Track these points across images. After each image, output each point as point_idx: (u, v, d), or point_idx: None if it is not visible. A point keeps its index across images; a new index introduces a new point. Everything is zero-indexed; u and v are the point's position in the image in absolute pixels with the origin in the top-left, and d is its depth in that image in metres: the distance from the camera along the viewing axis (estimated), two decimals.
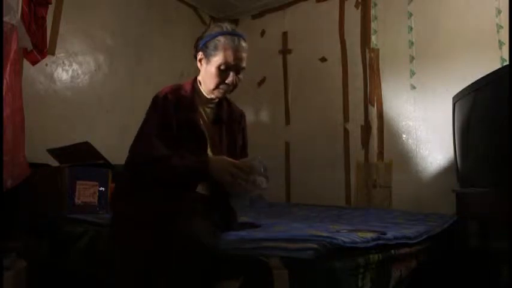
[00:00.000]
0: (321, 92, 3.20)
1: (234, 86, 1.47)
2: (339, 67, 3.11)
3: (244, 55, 1.44)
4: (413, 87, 2.77)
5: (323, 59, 3.21)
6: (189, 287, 1.10)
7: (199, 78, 1.52)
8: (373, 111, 2.93)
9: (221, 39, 1.42)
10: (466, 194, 1.98)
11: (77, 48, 2.71)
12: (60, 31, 2.58)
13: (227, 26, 1.45)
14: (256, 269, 1.11)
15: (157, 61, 3.21)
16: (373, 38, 2.98)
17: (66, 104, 2.61)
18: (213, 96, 1.49)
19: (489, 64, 2.12)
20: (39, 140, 2.28)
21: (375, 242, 1.26)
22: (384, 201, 2.81)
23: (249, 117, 3.42)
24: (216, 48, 1.42)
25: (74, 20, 2.67)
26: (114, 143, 2.32)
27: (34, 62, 2.41)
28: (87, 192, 2.00)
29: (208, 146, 1.47)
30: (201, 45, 1.47)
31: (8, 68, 1.85)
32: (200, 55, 1.48)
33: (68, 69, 2.66)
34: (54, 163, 2.22)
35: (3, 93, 1.80)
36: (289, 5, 3.46)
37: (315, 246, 1.09)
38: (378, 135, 2.90)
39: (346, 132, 3.05)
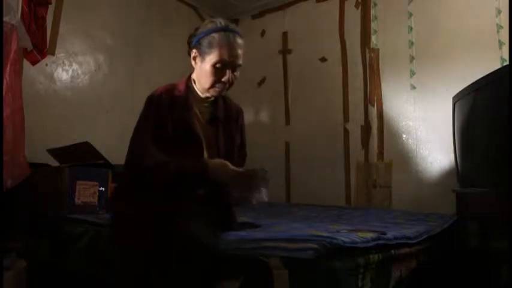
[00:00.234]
0: (321, 92, 3.20)
1: (230, 84, 1.42)
2: (339, 67, 3.11)
3: (240, 52, 1.39)
4: (413, 87, 2.77)
5: (323, 59, 3.21)
6: (189, 287, 1.10)
7: (194, 76, 1.47)
8: (373, 111, 2.93)
9: (215, 35, 1.37)
10: (466, 194, 1.98)
11: (77, 48, 2.71)
12: (60, 31, 2.58)
13: (221, 22, 1.40)
14: (256, 269, 1.11)
15: (157, 61, 3.21)
16: (373, 38, 2.98)
17: (66, 104, 2.61)
18: (208, 95, 1.45)
19: (489, 64, 2.12)
20: (39, 140, 2.28)
21: (375, 242, 1.26)
22: (384, 201, 2.81)
23: (249, 117, 3.45)
24: (210, 45, 1.37)
25: (74, 20, 2.67)
26: (114, 143, 2.31)
27: (34, 62, 2.41)
28: (87, 192, 2.00)
29: (204, 147, 1.43)
30: (195, 42, 1.42)
31: (8, 68, 1.85)
32: (194, 53, 1.43)
33: (68, 69, 2.66)
34: (54, 163, 2.22)
35: (3, 93, 1.80)
36: (289, 5, 3.46)
37: (315, 246, 1.09)
38: (378, 135, 2.90)
39: (346, 132, 3.05)
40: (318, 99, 3.21)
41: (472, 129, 1.94)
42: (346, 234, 1.25)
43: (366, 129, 2.95)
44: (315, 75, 3.25)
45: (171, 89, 1.44)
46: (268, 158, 3.22)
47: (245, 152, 1.63)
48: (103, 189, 2.06)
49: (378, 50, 2.95)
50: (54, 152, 2.24)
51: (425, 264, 1.56)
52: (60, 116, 2.56)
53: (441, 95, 2.57)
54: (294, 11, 3.44)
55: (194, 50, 1.43)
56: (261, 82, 3.56)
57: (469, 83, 1.92)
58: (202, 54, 1.40)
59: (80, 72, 2.73)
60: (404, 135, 2.81)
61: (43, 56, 2.44)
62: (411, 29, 2.80)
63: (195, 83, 1.47)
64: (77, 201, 1.96)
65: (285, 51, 3.46)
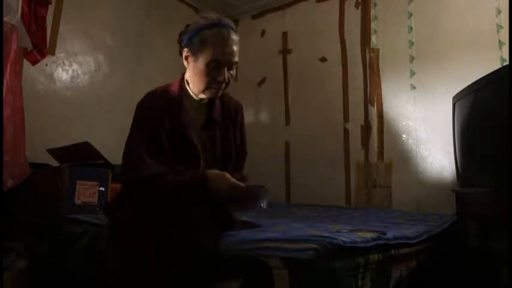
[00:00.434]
0: (321, 92, 3.20)
1: (226, 83, 1.32)
2: (339, 67, 3.11)
3: (235, 48, 1.29)
4: (413, 87, 2.77)
5: (323, 59, 3.21)
6: (189, 287, 1.10)
7: (187, 77, 1.37)
8: (373, 111, 2.93)
9: (208, 32, 1.27)
10: (466, 194, 1.98)
11: (77, 48, 2.71)
12: (60, 31, 2.58)
13: (213, 16, 1.30)
14: (256, 269, 1.11)
15: (157, 61, 3.21)
16: (373, 38, 2.98)
17: (66, 104, 2.61)
18: (203, 96, 1.35)
19: (489, 64, 2.12)
20: (39, 140, 2.28)
21: (374, 242, 1.26)
22: (384, 201, 2.81)
23: (249, 117, 3.45)
24: (203, 43, 1.27)
25: (74, 20, 2.67)
26: (114, 143, 2.30)
27: (34, 62, 2.41)
28: (87, 192, 2.00)
29: (201, 153, 1.34)
30: (186, 40, 1.32)
31: (8, 68, 1.85)
32: (186, 52, 1.33)
33: (68, 69, 2.66)
34: (54, 163, 2.22)
35: (4, 93, 1.80)
36: (289, 5, 3.46)
37: (315, 246, 1.09)
38: (378, 135, 2.90)
39: (346, 132, 3.04)
40: (318, 99, 3.21)
41: (472, 129, 1.94)
42: (346, 234, 1.25)
43: (366, 129, 2.95)
44: (315, 75, 3.25)
45: (163, 93, 1.36)
46: (268, 158, 3.23)
47: (245, 150, 1.53)
48: (103, 189, 2.06)
49: (378, 50, 2.95)
50: (54, 152, 2.24)
51: (425, 264, 1.56)
52: (60, 116, 2.56)
53: (441, 95, 2.56)
54: (294, 11, 3.44)
55: (186, 49, 1.33)
56: (261, 82, 3.56)
57: (469, 83, 1.92)
58: (194, 53, 1.30)
59: (80, 72, 2.73)
60: (404, 135, 2.81)
61: (43, 56, 2.44)
62: (411, 29, 2.80)
63: (188, 84, 1.37)
64: (77, 201, 1.96)
65: (285, 51, 3.45)
